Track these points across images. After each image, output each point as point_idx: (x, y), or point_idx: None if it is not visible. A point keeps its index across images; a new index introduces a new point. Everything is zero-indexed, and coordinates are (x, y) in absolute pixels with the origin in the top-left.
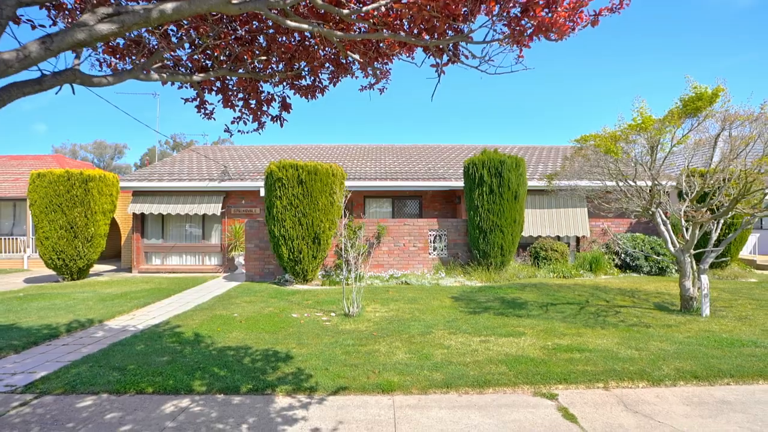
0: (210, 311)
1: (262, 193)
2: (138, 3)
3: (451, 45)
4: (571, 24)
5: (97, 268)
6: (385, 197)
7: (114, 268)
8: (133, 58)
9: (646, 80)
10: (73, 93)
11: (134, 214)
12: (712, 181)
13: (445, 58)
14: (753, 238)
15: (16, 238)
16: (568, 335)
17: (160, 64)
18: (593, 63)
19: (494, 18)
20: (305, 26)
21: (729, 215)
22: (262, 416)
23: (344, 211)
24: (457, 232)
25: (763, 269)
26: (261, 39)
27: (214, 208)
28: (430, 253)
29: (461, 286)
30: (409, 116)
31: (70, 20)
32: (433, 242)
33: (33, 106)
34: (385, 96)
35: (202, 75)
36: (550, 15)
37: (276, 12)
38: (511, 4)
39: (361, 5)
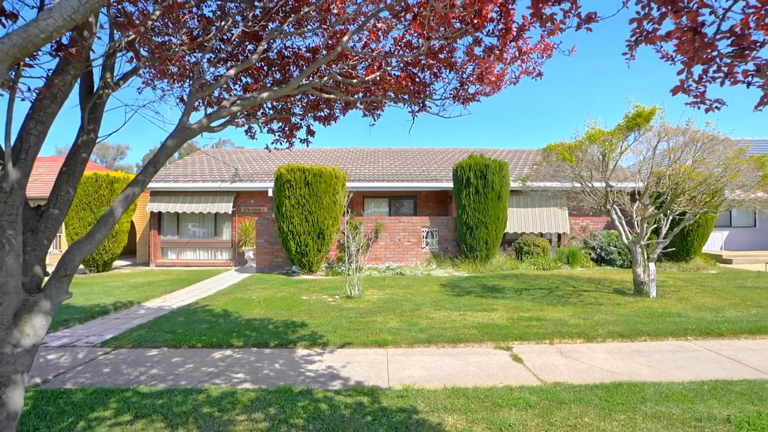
0: (230, 295)
1: (270, 193)
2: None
3: (420, 101)
4: (497, 86)
5: (115, 262)
6: (382, 197)
7: (130, 263)
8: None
9: (642, 80)
10: (201, 136)
11: (152, 212)
12: (655, 182)
13: (416, 108)
14: (721, 235)
15: None
16: (532, 311)
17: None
18: (590, 64)
19: (444, 86)
20: (333, 96)
21: (676, 212)
22: (289, 359)
23: (346, 210)
24: (447, 228)
25: (727, 263)
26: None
27: (226, 207)
28: (422, 248)
29: (449, 276)
30: (406, 119)
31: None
32: (426, 238)
33: None
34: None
35: (264, 118)
36: (481, 80)
37: (315, 88)
38: (453, 81)
39: (363, 77)
